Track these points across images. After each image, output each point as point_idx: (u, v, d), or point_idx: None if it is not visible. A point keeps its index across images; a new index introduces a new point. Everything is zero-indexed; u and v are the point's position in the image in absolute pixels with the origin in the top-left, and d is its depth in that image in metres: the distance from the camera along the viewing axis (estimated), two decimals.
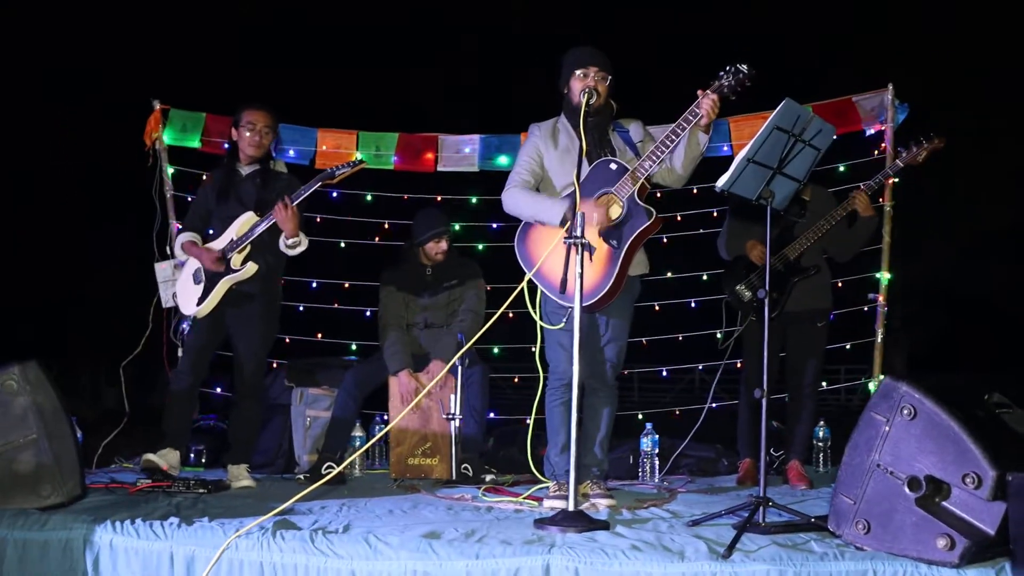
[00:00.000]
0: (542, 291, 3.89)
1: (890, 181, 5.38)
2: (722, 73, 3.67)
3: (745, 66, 3.63)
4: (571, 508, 3.29)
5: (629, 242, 3.74)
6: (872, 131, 5.72)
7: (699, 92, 3.67)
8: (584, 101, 3.75)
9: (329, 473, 4.36)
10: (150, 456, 4.35)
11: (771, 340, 3.48)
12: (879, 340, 5.66)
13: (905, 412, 2.88)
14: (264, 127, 4.55)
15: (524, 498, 3.98)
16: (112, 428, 5.34)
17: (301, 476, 4.82)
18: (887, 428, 2.92)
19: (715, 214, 6.19)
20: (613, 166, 3.82)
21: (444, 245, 5.11)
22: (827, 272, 4.89)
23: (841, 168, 5.91)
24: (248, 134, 4.53)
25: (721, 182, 3.40)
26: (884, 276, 5.62)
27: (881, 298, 5.63)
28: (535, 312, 3.79)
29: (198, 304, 4.50)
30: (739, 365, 4.99)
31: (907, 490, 2.82)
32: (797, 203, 4.68)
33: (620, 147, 3.96)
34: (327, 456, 4.82)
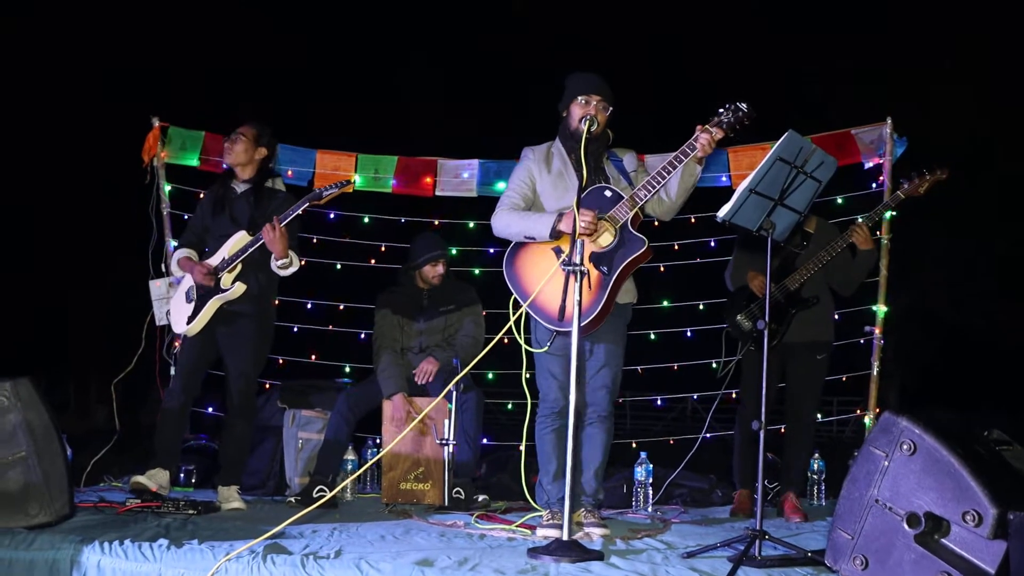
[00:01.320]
0: (531, 317, 3.88)
1: (889, 213, 5.38)
2: (721, 110, 3.70)
3: (745, 104, 3.67)
4: (565, 537, 3.25)
5: (620, 269, 3.75)
6: (871, 164, 5.73)
7: (697, 127, 3.70)
8: (585, 128, 3.75)
9: (321, 497, 4.33)
10: (139, 478, 4.33)
11: (769, 371, 3.47)
12: (875, 373, 5.64)
13: (905, 447, 2.86)
14: (241, 136, 4.55)
15: (517, 526, 3.94)
16: (102, 445, 5.29)
17: (292, 499, 4.78)
18: (886, 463, 2.90)
19: (712, 244, 6.20)
20: (608, 193, 3.83)
21: (441, 269, 5.10)
22: (830, 304, 4.88)
23: (839, 200, 5.93)
24: (226, 144, 4.54)
25: (723, 212, 3.40)
26: (881, 309, 5.61)
27: (878, 331, 5.63)
28: (520, 336, 3.77)
29: (188, 322, 4.47)
30: (735, 396, 4.98)
31: (906, 526, 2.80)
32: (799, 234, 4.70)
33: (614, 176, 3.97)
34: (319, 479, 4.77)
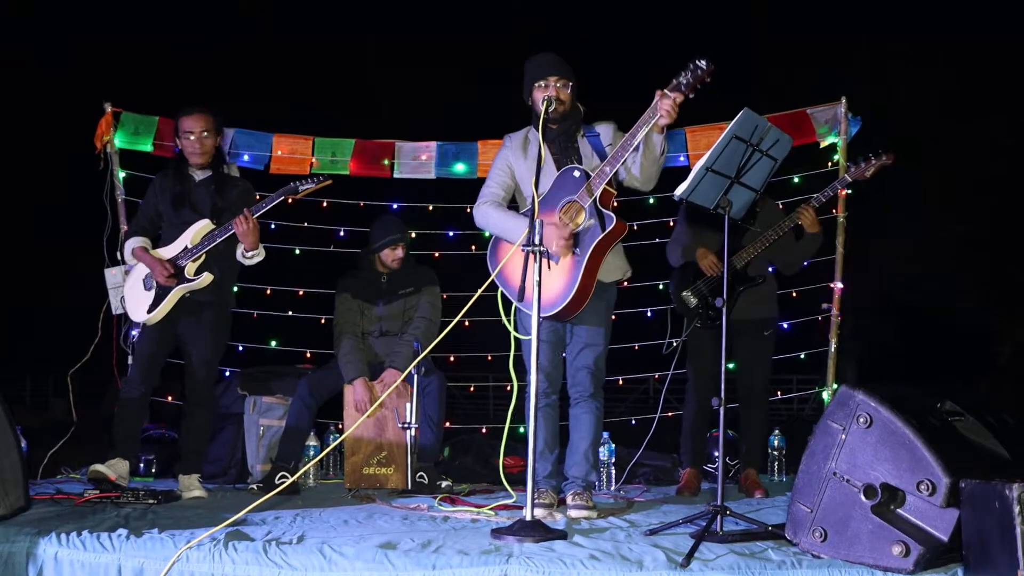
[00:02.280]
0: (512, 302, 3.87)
1: (843, 193, 5.44)
2: (681, 71, 3.54)
3: (704, 61, 3.49)
4: (528, 518, 3.26)
5: (591, 250, 3.73)
6: (825, 143, 5.79)
7: (657, 92, 3.56)
8: (545, 109, 3.73)
9: (283, 483, 4.30)
10: (98, 466, 4.25)
11: (716, 348, 3.49)
12: (832, 350, 5.71)
13: (861, 420, 2.90)
14: (202, 131, 4.46)
15: (489, 509, 3.94)
16: (59, 438, 5.21)
17: (254, 486, 4.74)
18: (843, 436, 2.94)
19: (671, 223, 6.21)
20: (576, 173, 3.80)
21: (400, 252, 5.07)
22: (773, 282, 4.92)
23: (796, 180, 5.98)
24: (187, 143, 4.45)
25: (680, 191, 3.41)
26: (837, 286, 5.67)
27: (835, 308, 5.69)
28: (508, 321, 3.75)
29: (149, 311, 4.41)
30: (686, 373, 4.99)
31: (863, 498, 2.84)
32: (748, 213, 4.72)
33: (587, 154, 3.93)
34: (281, 466, 4.74)
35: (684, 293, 4.80)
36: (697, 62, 3.52)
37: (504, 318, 3.74)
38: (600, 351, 4.00)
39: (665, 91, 3.56)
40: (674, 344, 4.85)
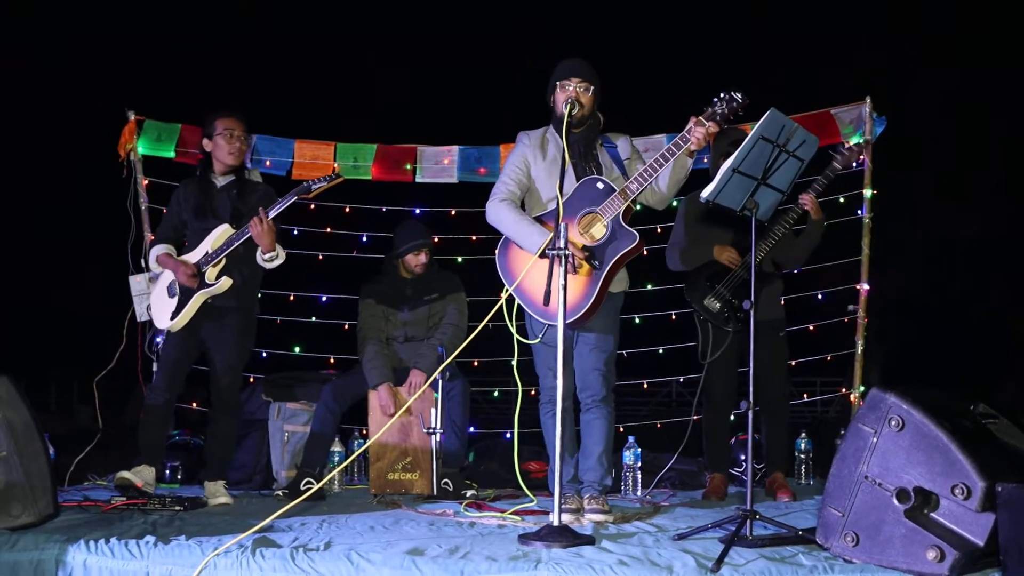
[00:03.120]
0: (522, 306, 3.86)
1: (870, 192, 5.38)
2: (716, 100, 3.62)
3: (740, 94, 3.59)
4: (556, 523, 3.24)
5: (611, 264, 3.72)
6: (850, 144, 5.72)
7: (692, 119, 3.64)
8: (567, 111, 3.73)
9: (308, 489, 4.31)
10: (124, 473, 4.26)
11: (732, 351, 3.46)
12: (859, 352, 5.66)
13: (893, 423, 2.86)
14: (240, 133, 4.49)
15: (510, 514, 3.93)
16: (85, 445, 5.24)
17: (280, 493, 4.75)
18: (875, 439, 2.91)
19: None
20: (600, 185, 3.79)
21: (424, 258, 5.07)
22: (779, 282, 4.88)
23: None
24: (225, 143, 4.46)
25: (706, 192, 3.39)
26: (863, 287, 5.62)
27: (861, 310, 5.64)
28: (512, 325, 3.75)
29: (172, 318, 4.43)
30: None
31: (896, 502, 2.81)
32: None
33: (607, 164, 3.94)
34: (306, 472, 4.74)
35: (706, 301, 4.71)
36: (733, 94, 3.61)
37: (509, 323, 3.73)
38: (610, 354, 3.99)
39: (701, 119, 3.62)
40: (716, 353, 4.74)
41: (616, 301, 4.04)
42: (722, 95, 3.61)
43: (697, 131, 3.62)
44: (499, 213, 3.95)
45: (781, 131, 3.37)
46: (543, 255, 3.62)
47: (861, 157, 4.72)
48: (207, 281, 4.39)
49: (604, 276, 3.72)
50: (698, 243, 4.80)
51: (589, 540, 3.22)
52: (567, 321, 3.64)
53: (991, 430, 3.02)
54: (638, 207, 3.98)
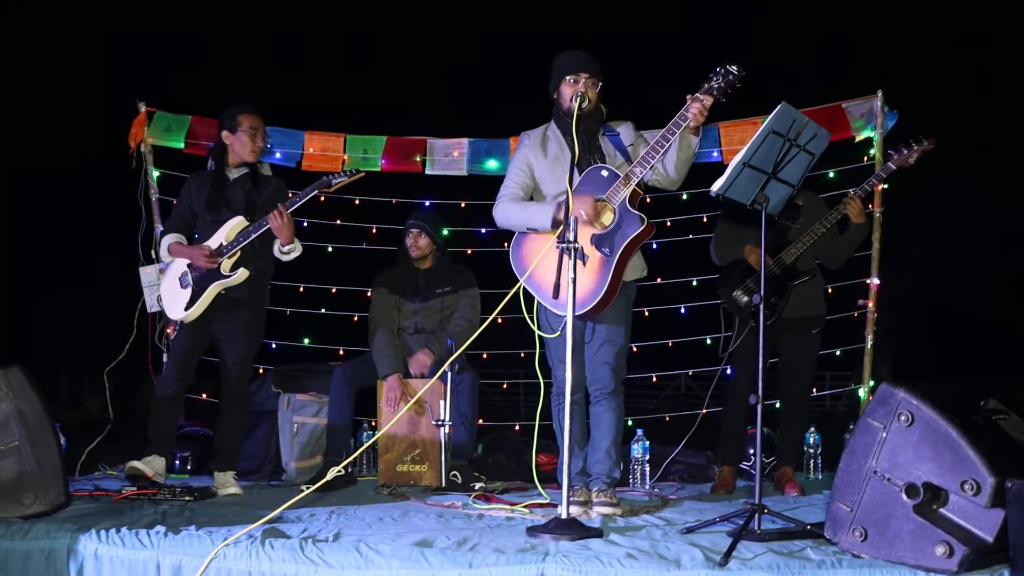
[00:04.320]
0: (538, 300, 3.86)
1: (880, 187, 5.37)
2: (712, 75, 3.60)
3: (735, 67, 3.56)
4: (564, 516, 3.24)
5: (621, 249, 3.70)
6: (860, 138, 5.71)
7: (688, 96, 3.62)
8: (576, 105, 3.71)
9: (336, 477, 4.36)
10: (135, 463, 4.29)
11: (764, 346, 3.46)
12: (868, 346, 5.64)
13: (902, 418, 2.86)
14: (264, 133, 4.56)
15: (523, 507, 3.93)
16: (96, 435, 5.26)
17: (304, 486, 4.75)
18: (884, 434, 2.90)
19: (705, 219, 6.18)
20: (604, 172, 3.78)
21: (421, 242, 5.08)
22: (821, 278, 4.88)
23: (831, 174, 5.91)
24: (249, 140, 4.49)
25: (716, 186, 3.38)
26: (874, 282, 5.60)
27: (871, 304, 5.62)
28: (532, 321, 3.76)
29: (186, 309, 4.44)
30: (729, 371, 4.95)
31: (905, 497, 2.80)
32: (791, 208, 4.67)
33: (610, 152, 3.93)
34: (332, 460, 4.72)
35: (735, 293, 4.73)
36: (728, 67, 3.57)
37: (528, 317, 3.73)
38: (621, 347, 3.99)
39: (696, 95, 3.60)
40: (732, 346, 4.77)
41: (629, 292, 4.03)
42: (719, 69, 3.58)
43: (693, 106, 3.58)
44: (505, 210, 3.97)
45: (792, 125, 3.37)
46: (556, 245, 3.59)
47: (916, 155, 4.68)
48: (222, 272, 4.41)
49: (616, 263, 3.71)
50: (735, 240, 4.82)
51: (597, 533, 3.22)
52: (581, 312, 3.66)
53: (1001, 426, 3.01)
54: (646, 196, 3.97)
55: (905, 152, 4.70)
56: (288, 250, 4.45)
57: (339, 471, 4.59)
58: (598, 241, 3.73)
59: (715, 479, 4.84)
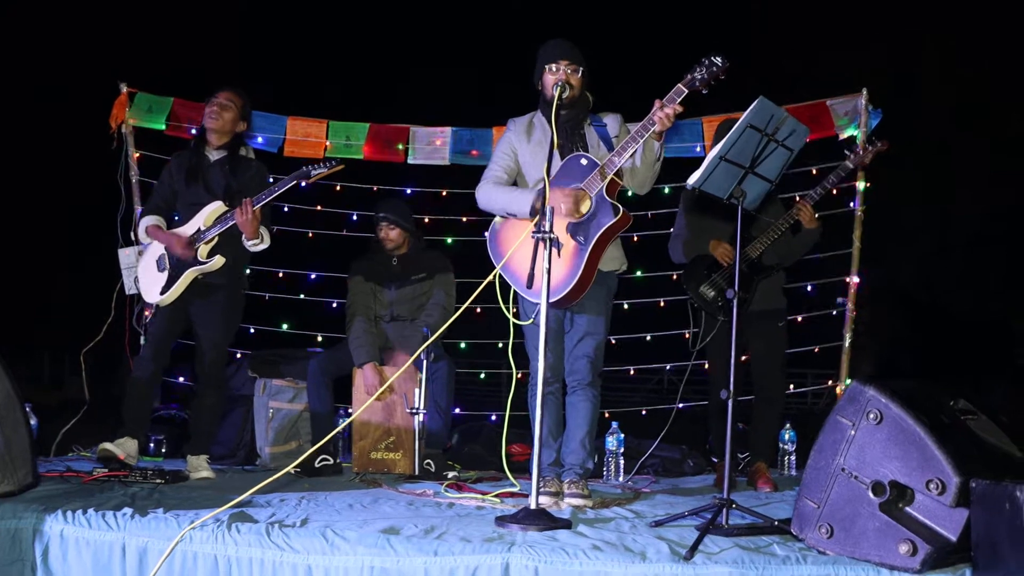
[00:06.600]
0: (516, 291, 3.86)
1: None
2: (696, 66, 3.57)
3: (719, 58, 3.53)
4: (533, 506, 3.24)
5: (595, 239, 3.71)
6: (844, 135, 5.71)
7: (655, 102, 3.60)
8: (556, 95, 3.71)
9: (324, 464, 4.53)
10: (107, 445, 4.27)
11: (737, 341, 3.46)
12: (847, 344, 5.66)
13: (871, 416, 2.86)
14: (225, 101, 4.50)
15: (494, 496, 3.93)
16: (74, 416, 5.23)
17: (293, 470, 4.72)
18: (853, 432, 2.91)
19: None
20: (584, 161, 3.78)
21: (393, 234, 5.05)
22: (781, 273, 4.88)
23: (814, 172, 5.91)
24: (209, 111, 4.47)
25: (693, 179, 3.37)
26: (853, 280, 5.62)
27: (850, 302, 5.64)
28: (506, 308, 3.75)
29: (162, 292, 4.42)
30: (706, 367, 4.95)
31: (871, 495, 2.81)
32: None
33: (594, 142, 3.93)
34: (321, 451, 4.71)
35: (702, 288, 4.72)
36: (712, 59, 3.54)
37: (503, 305, 3.73)
38: (599, 339, 3.99)
39: (663, 102, 3.58)
40: (703, 341, 4.77)
41: (610, 283, 4.03)
42: (703, 60, 3.55)
43: (659, 114, 3.57)
44: (488, 192, 3.97)
45: (770, 120, 3.36)
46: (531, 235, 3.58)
47: (871, 155, 4.72)
48: (199, 259, 4.38)
49: (590, 252, 3.70)
50: (700, 235, 4.80)
51: (566, 524, 3.22)
52: (556, 299, 3.65)
53: (969, 426, 3.02)
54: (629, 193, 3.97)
55: (860, 152, 4.74)
56: (253, 243, 4.42)
57: (323, 461, 4.61)
58: (573, 229, 3.73)
59: (717, 475, 4.83)
